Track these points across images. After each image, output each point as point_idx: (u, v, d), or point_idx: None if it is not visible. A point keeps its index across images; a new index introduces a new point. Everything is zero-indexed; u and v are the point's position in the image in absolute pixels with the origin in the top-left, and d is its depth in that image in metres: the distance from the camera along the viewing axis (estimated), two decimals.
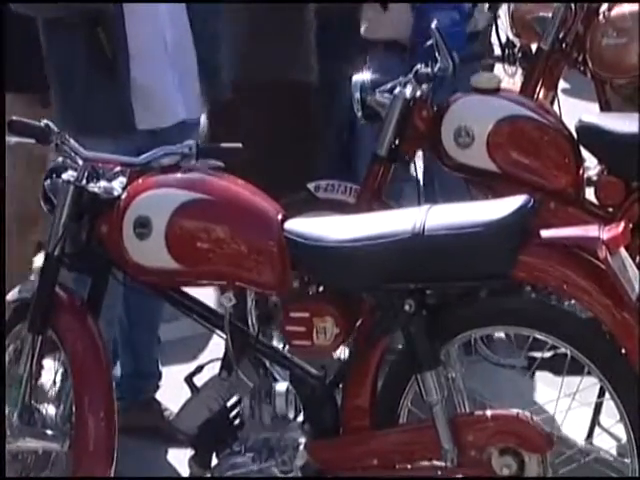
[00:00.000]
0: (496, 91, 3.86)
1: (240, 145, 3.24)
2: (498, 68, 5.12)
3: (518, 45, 5.26)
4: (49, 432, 3.10)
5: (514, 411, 2.93)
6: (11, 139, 3.13)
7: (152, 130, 3.67)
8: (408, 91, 3.83)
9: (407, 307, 2.92)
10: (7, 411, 3.10)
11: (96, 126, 3.53)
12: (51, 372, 3.19)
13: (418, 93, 3.84)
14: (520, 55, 5.17)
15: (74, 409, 3.04)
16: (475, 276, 2.92)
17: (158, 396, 3.94)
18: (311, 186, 3.98)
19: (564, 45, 4.85)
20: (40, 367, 3.14)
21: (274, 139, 4.38)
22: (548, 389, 3.30)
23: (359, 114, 3.94)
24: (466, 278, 2.93)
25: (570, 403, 2.98)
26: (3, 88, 2.65)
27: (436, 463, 2.94)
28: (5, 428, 1.86)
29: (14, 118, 3.10)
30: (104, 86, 3.61)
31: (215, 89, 3.87)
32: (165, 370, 3.99)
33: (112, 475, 3.00)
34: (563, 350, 2.95)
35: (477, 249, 2.89)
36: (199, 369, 3.10)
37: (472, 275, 2.92)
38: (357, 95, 3.92)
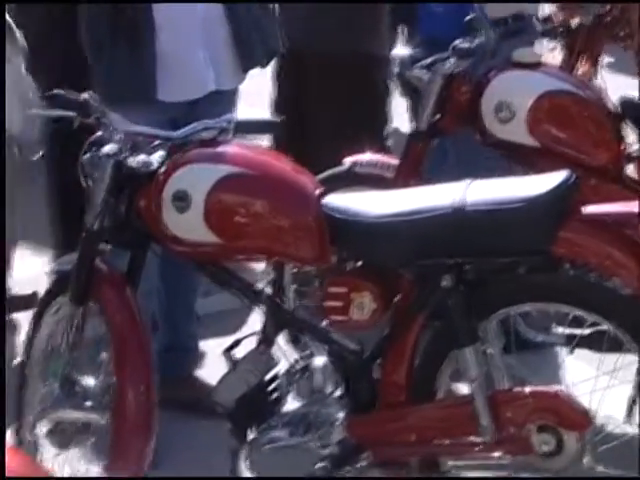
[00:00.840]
0: (537, 66, 3.84)
1: (277, 119, 3.24)
2: (539, 43, 5.08)
3: (559, 20, 5.21)
4: (89, 403, 3.12)
5: (553, 388, 2.93)
6: (53, 112, 3.15)
7: (187, 102, 3.68)
8: (448, 66, 3.81)
9: (445, 283, 2.91)
10: (48, 381, 3.14)
11: (120, 98, 3.53)
12: (91, 344, 3.21)
13: (458, 68, 3.83)
14: (561, 30, 5.12)
15: (114, 381, 3.06)
16: (514, 252, 2.92)
17: (196, 370, 3.96)
18: (349, 161, 3.97)
19: (606, 20, 4.81)
20: (80, 338, 3.16)
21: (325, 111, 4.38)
22: (587, 367, 3.28)
23: (398, 90, 3.93)
24: (505, 254, 2.92)
25: (609, 381, 2.97)
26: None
27: (474, 439, 2.93)
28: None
29: (56, 91, 3.12)
30: (127, 57, 3.63)
31: (251, 61, 3.87)
32: (203, 344, 4.02)
33: (152, 447, 3.02)
34: (602, 327, 2.95)
35: (517, 225, 2.88)
36: (237, 343, 3.11)
37: (511, 251, 2.91)
38: (396, 70, 3.91)
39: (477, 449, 2.94)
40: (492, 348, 3.00)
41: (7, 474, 1.88)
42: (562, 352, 3.31)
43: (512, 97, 3.75)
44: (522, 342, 3.26)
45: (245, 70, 3.88)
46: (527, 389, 2.93)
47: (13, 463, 1.92)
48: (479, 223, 2.88)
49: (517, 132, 3.75)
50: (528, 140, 3.73)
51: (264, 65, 3.96)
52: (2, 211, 2.05)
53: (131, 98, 3.58)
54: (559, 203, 2.85)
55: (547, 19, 4.78)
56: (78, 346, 3.17)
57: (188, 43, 3.72)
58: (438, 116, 3.86)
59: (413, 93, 3.93)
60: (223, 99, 3.76)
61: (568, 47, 4.84)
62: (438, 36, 4.03)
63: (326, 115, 4.39)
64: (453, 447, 2.97)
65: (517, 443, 2.90)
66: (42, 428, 3.18)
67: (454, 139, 3.96)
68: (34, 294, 4.09)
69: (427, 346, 3.03)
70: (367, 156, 3.99)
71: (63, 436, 3.14)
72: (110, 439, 3.05)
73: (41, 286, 3.53)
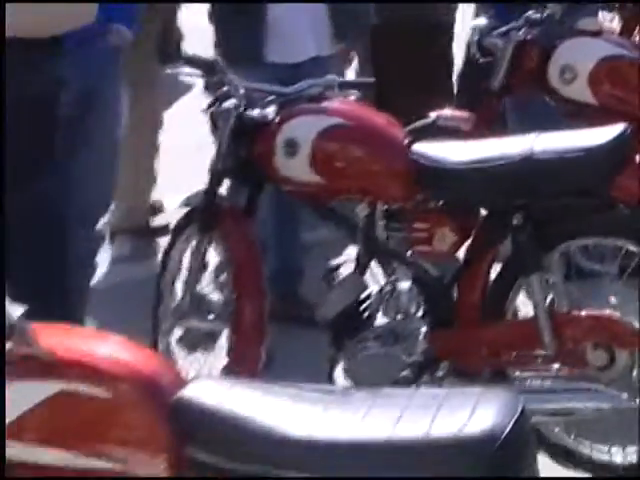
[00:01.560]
0: (599, 33, 3.76)
1: (373, 79, 3.23)
2: (601, 13, 4.95)
3: None
4: (212, 315, 3.15)
5: (607, 311, 2.87)
6: (183, 69, 3.17)
7: (292, 64, 3.65)
8: (520, 34, 3.76)
9: (515, 220, 2.86)
10: (179, 297, 3.16)
11: (235, 59, 3.50)
12: (215, 266, 3.23)
13: (529, 36, 3.77)
14: (618, 6, 4.99)
15: (233, 297, 3.07)
16: (576, 193, 2.86)
17: (301, 289, 3.96)
18: (432, 115, 3.91)
19: None
20: (206, 262, 3.18)
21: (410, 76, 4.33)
22: (636, 293, 3.21)
23: (477, 55, 3.87)
24: (568, 195, 2.87)
25: None
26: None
27: (537, 353, 2.90)
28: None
29: (189, 53, 3.14)
30: (241, 23, 3.60)
31: (344, 32, 3.83)
32: (307, 268, 4.00)
33: (264, 353, 3.03)
34: None
35: (578, 170, 2.83)
36: (336, 268, 3.10)
37: (573, 193, 2.86)
38: (476, 37, 3.85)
39: (540, 362, 2.91)
40: (555, 276, 2.95)
41: (145, 374, 1.88)
42: (616, 280, 3.23)
43: (576, 61, 3.70)
44: (581, 272, 3.21)
45: (339, 40, 3.84)
46: (584, 312, 2.89)
47: (151, 363, 1.93)
48: (545, 168, 2.84)
49: (579, 91, 3.69)
50: (589, 98, 3.68)
51: (355, 36, 3.92)
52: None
53: (244, 59, 3.56)
54: (616, 152, 2.80)
55: None
56: (204, 268, 3.18)
57: (294, 11, 3.70)
58: (509, 77, 3.81)
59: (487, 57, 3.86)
60: (322, 63, 3.73)
61: (627, 17, 4.72)
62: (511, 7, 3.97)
63: (404, 76, 4.33)
64: (519, 360, 2.94)
65: (574, 358, 2.86)
66: (174, 335, 3.21)
67: (525, 98, 3.90)
68: (167, 225, 4.13)
69: (498, 273, 2.99)
70: (447, 111, 3.92)
71: (191, 342, 3.17)
72: (229, 345, 3.07)
73: (174, 218, 3.54)
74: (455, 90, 4.54)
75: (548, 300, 2.91)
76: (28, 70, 2.59)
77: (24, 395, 1.83)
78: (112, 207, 3.57)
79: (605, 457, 2.91)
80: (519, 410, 1.74)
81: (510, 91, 3.86)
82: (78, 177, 2.94)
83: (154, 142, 4.62)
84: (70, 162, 2.93)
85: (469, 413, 1.73)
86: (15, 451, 1.83)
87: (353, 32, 3.90)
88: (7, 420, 1.82)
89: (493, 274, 2.99)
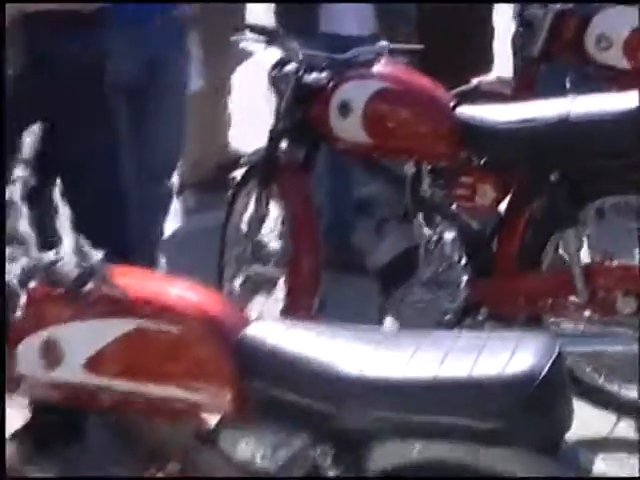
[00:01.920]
0: (634, 2, 3.67)
1: (422, 46, 3.18)
2: None
3: None
4: (271, 263, 3.14)
5: (636, 263, 2.83)
6: (248, 37, 3.17)
7: (342, 35, 3.62)
8: (559, 5, 3.70)
9: (553, 178, 2.82)
10: (242, 246, 3.16)
11: (292, 28, 3.48)
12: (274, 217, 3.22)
13: (568, 6, 3.70)
14: None
15: (290, 247, 3.07)
16: (609, 154, 2.80)
17: (353, 240, 3.92)
18: (476, 80, 3.86)
19: None
20: (266, 213, 3.17)
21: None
22: None
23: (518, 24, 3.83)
24: (602, 156, 2.81)
25: None
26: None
27: (571, 300, 2.86)
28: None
29: (252, 22, 3.13)
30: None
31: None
32: (359, 222, 3.96)
33: (318, 298, 3.02)
34: None
35: (612, 132, 2.77)
36: (386, 221, 3.08)
37: (607, 153, 2.80)
38: (517, 9, 3.80)
39: (573, 309, 2.88)
40: (588, 231, 2.91)
41: (212, 314, 1.88)
42: None
43: (611, 30, 3.63)
44: (612, 227, 3.16)
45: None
46: (615, 263, 2.85)
47: (218, 304, 1.93)
48: (581, 130, 2.79)
49: (614, 58, 3.63)
50: (623, 64, 3.61)
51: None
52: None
53: (301, 29, 3.53)
54: None
55: None
56: (264, 219, 3.18)
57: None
58: (548, 45, 3.75)
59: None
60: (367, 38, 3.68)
61: None
62: None
63: (448, 44, 4.26)
64: (553, 307, 2.91)
65: (605, 305, 2.83)
66: (237, 281, 3.21)
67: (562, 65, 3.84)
68: (232, 179, 4.12)
69: (535, 227, 2.94)
70: (490, 76, 3.89)
71: (252, 287, 3.17)
72: (286, 290, 3.07)
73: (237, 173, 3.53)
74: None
75: (582, 252, 2.86)
76: (75, 43, 2.56)
77: (102, 332, 1.85)
78: (180, 163, 3.57)
79: (632, 395, 2.89)
80: (556, 352, 1.73)
81: (549, 58, 3.79)
82: (147, 139, 2.96)
83: (223, 104, 4.62)
84: (140, 125, 2.94)
85: (509, 354, 1.72)
86: (95, 383, 1.85)
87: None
88: (87, 355, 1.84)
89: (530, 228, 2.94)
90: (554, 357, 1.71)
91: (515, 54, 4.05)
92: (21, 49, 2.52)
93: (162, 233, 3.28)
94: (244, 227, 3.24)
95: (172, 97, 3.09)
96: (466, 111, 2.95)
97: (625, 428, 2.85)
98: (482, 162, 2.97)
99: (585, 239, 2.91)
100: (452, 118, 2.93)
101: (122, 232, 2.64)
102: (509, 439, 1.70)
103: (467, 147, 2.94)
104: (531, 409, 1.68)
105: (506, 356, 1.72)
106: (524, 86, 3.79)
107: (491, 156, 2.95)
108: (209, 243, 3.37)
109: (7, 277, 1.81)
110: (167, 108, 3.06)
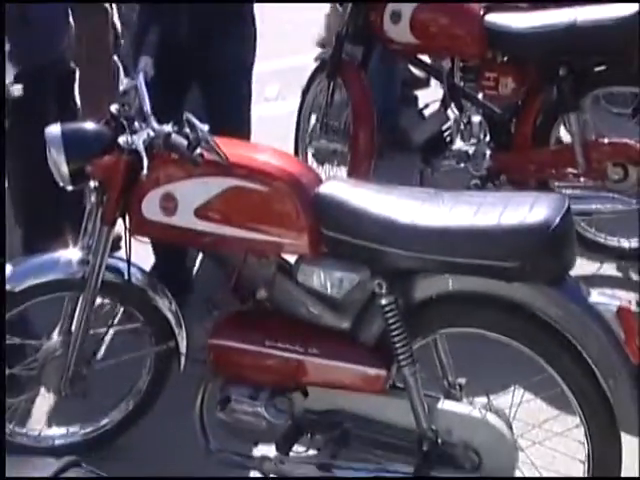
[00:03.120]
0: None
1: None
2: None
3: None
4: (336, 138, 2.99)
5: (625, 139, 2.66)
6: None
7: None
8: None
9: (561, 72, 2.66)
10: (313, 124, 3.03)
11: None
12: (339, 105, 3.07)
13: None
14: None
15: (351, 125, 2.95)
16: (608, 51, 2.62)
17: (400, 122, 3.73)
18: None
19: None
20: (333, 99, 3.02)
21: None
22: None
23: None
24: (600, 53, 2.63)
25: None
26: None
27: (571, 170, 2.72)
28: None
29: None
30: None
31: None
32: (403, 107, 3.76)
33: (373, 166, 2.90)
34: None
35: (610, 34, 2.56)
36: (426, 106, 2.94)
37: (606, 50, 2.61)
38: None
39: (572, 176, 2.75)
40: (587, 115, 2.74)
41: (293, 175, 1.79)
42: (630, 118, 2.99)
43: None
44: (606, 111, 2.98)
45: None
46: (606, 140, 2.70)
47: (298, 167, 1.85)
48: (584, 33, 2.59)
49: None
50: None
51: None
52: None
53: None
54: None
55: None
56: (331, 104, 3.04)
57: None
58: None
59: None
60: None
61: None
62: None
63: None
64: (557, 175, 2.78)
65: (598, 172, 2.70)
66: (310, 152, 3.09)
67: None
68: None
69: (546, 112, 2.79)
70: None
71: (322, 156, 3.03)
72: (349, 159, 2.95)
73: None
74: None
75: (581, 132, 2.70)
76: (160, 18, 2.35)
77: (208, 188, 1.80)
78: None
79: (615, 244, 2.82)
80: (565, 207, 1.67)
81: None
82: (214, 97, 2.56)
83: None
84: (206, 87, 2.57)
85: (529, 208, 1.66)
86: (202, 227, 1.79)
87: None
88: (196, 205, 1.78)
89: (542, 111, 2.78)
90: (564, 211, 1.65)
91: None
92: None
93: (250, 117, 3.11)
94: (315, 110, 3.11)
95: (236, 60, 2.54)
96: (493, 18, 2.75)
97: (610, 269, 2.75)
98: (505, 59, 2.80)
99: (584, 121, 2.74)
100: (481, 24, 2.75)
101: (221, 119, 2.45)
102: (527, 275, 1.64)
103: (492, 47, 2.78)
104: (545, 251, 1.63)
105: (526, 209, 1.65)
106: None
107: (512, 54, 2.78)
108: (289, 125, 3.24)
109: (137, 145, 1.73)
110: (234, 70, 2.54)
